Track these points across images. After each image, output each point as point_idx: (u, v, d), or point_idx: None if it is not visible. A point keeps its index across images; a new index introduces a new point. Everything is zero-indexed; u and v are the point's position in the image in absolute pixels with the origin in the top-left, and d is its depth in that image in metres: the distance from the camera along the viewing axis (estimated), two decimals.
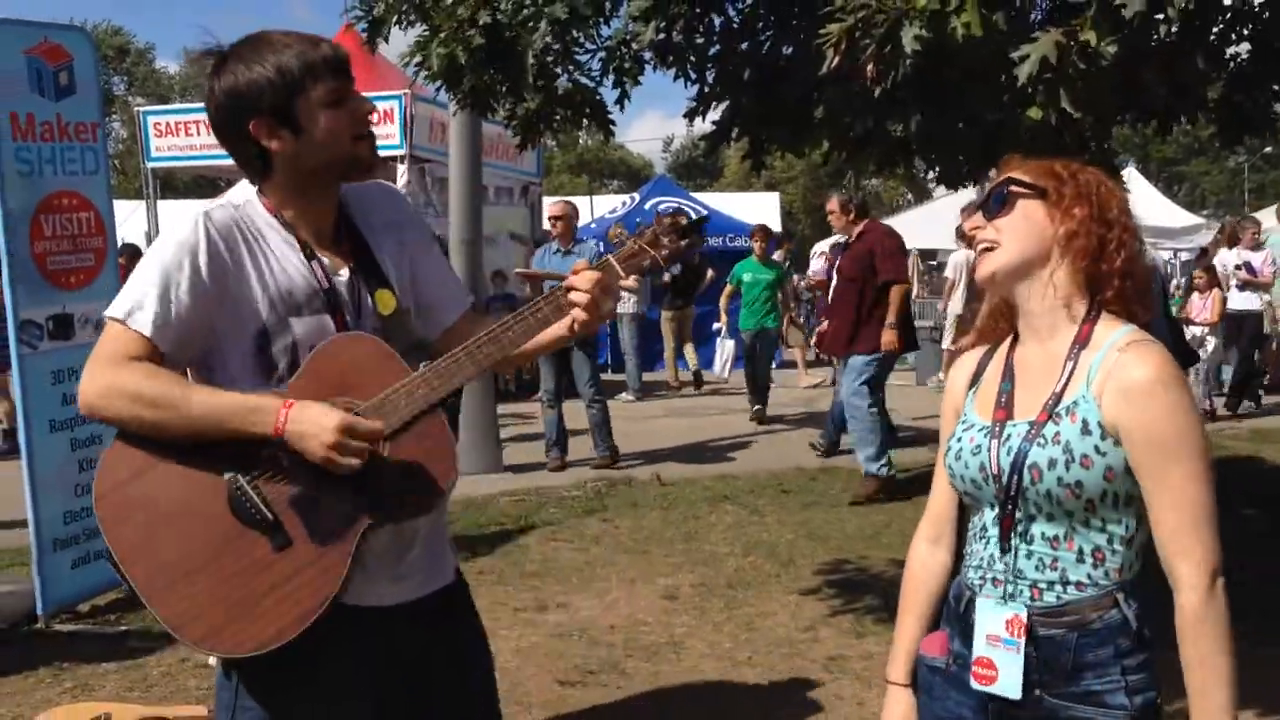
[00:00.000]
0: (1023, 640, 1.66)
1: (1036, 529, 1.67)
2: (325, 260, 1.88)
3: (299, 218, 1.87)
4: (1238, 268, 10.36)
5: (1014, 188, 1.73)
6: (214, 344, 1.82)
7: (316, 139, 1.81)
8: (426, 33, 3.56)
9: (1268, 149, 33.81)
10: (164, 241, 1.80)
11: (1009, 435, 1.69)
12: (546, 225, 14.67)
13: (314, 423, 1.69)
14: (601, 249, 8.47)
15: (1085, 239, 1.68)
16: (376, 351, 1.82)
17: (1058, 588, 1.66)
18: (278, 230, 1.86)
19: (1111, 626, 1.63)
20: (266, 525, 1.75)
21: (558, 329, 1.87)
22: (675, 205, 13.60)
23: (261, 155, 1.83)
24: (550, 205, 8.46)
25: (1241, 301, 10.32)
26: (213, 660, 1.84)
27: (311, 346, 1.82)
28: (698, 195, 18.43)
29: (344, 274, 1.89)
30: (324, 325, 1.84)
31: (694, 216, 1.97)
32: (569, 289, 1.82)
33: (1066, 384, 1.66)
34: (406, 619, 1.90)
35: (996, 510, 1.71)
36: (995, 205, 1.74)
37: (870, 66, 2.70)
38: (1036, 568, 1.67)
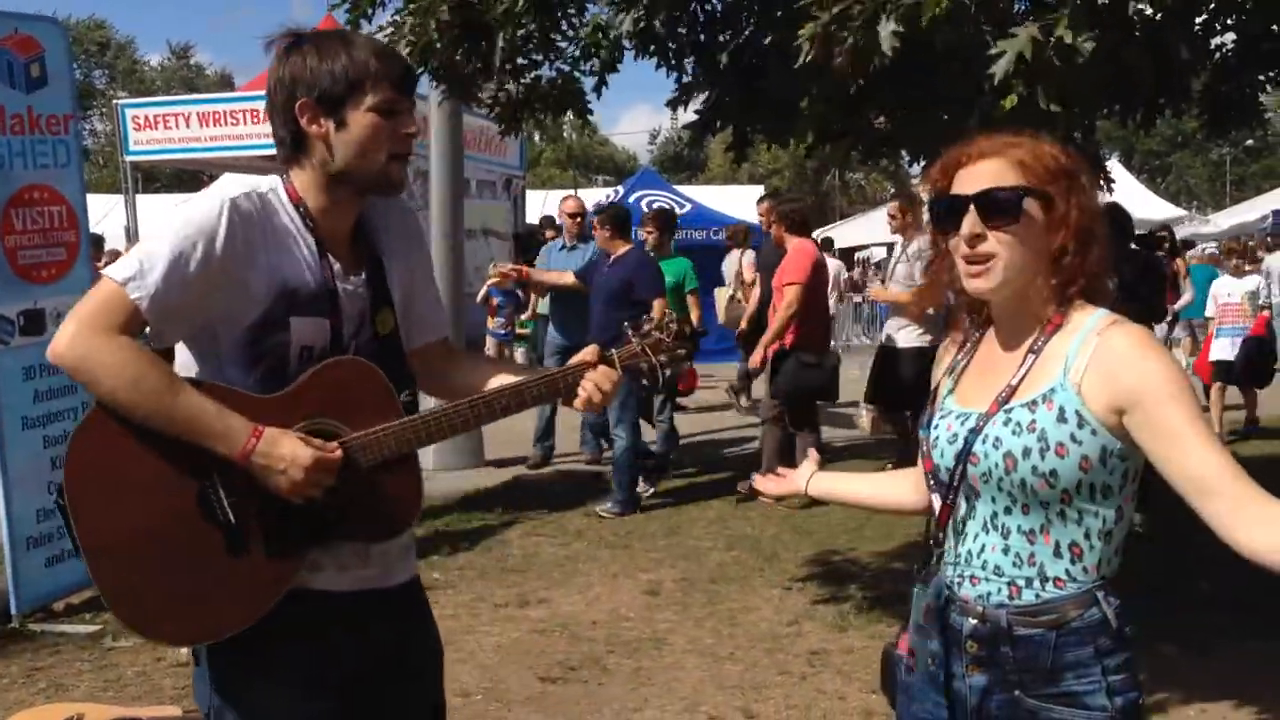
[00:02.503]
0: None
1: (1012, 521, 1.64)
2: (336, 265, 1.87)
3: (320, 214, 1.86)
4: None
5: (1011, 194, 1.59)
6: (209, 326, 1.80)
7: (354, 138, 1.80)
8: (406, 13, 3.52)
9: (1249, 141, 34.02)
10: (183, 219, 1.76)
11: (975, 424, 1.65)
12: (531, 219, 14.63)
13: (287, 459, 1.72)
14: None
15: (1067, 240, 1.61)
16: (379, 387, 1.84)
17: (1036, 584, 1.63)
18: (296, 221, 1.84)
19: (1092, 625, 1.60)
20: (227, 528, 1.76)
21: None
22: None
23: (297, 139, 1.83)
24: (566, 201, 8.18)
25: None
26: (184, 652, 1.84)
27: (304, 347, 1.80)
28: (682, 189, 18.37)
29: (353, 283, 1.88)
30: (321, 329, 1.83)
31: (691, 328, 2.09)
32: (586, 380, 1.92)
33: (1025, 376, 1.62)
34: (368, 606, 1.89)
35: (965, 500, 1.68)
36: (997, 209, 1.60)
37: (845, 61, 2.67)
38: (1014, 563, 1.64)
